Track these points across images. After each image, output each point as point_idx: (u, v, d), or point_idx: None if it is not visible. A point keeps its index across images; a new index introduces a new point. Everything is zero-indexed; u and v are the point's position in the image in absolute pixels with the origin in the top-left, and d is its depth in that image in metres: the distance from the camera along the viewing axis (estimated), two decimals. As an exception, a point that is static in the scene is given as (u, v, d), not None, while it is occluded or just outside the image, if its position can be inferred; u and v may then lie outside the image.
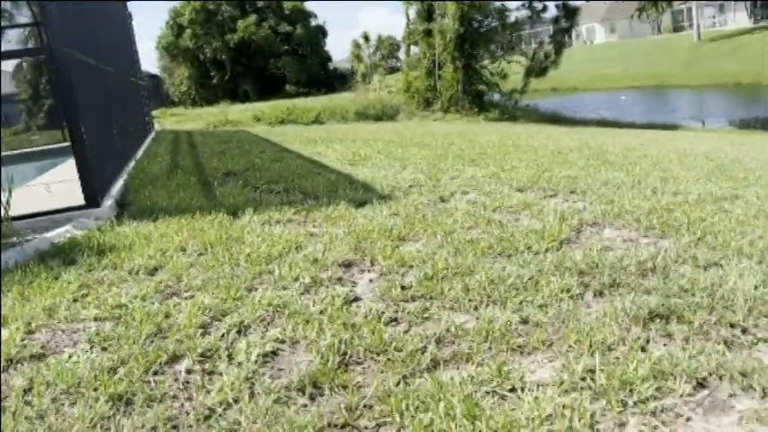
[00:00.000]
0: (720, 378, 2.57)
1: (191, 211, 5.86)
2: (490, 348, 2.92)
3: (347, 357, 2.89)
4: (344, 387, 2.63)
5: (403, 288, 3.70)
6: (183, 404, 2.58)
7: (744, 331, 2.98)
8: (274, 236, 4.84)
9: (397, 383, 2.62)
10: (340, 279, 3.94)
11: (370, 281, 3.93)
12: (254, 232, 5.00)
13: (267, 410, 2.44)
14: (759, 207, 5.43)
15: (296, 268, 4.04)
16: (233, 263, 4.23)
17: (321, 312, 3.37)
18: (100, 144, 7.31)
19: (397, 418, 2.37)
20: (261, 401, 2.51)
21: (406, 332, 3.13)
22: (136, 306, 3.54)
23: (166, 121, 28.67)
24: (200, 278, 3.96)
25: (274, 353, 2.99)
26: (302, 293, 3.70)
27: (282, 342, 3.07)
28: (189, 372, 2.83)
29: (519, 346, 2.94)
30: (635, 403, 2.42)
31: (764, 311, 3.14)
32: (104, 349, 3.06)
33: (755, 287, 3.43)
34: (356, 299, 3.63)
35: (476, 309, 3.39)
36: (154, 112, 26.44)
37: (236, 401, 2.54)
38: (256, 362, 2.86)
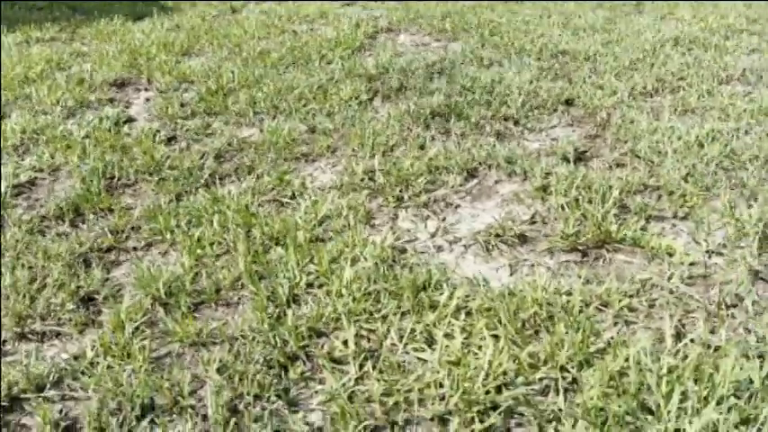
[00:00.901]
0: (489, 167, 2.69)
1: (-75, 32, 4.89)
2: (274, 159, 2.81)
3: (115, 181, 2.64)
4: (110, 211, 2.42)
5: (183, 105, 3.41)
6: None
7: (516, 123, 3.12)
8: (32, 56, 4.19)
9: (170, 202, 2.45)
10: (111, 100, 3.55)
11: (147, 100, 3.58)
12: (7, 53, 4.30)
13: (17, 242, 2.19)
14: (544, 6, 5.62)
15: (58, 90, 3.55)
16: (-21, 89, 3.63)
17: (86, 136, 3.02)
18: None
19: (168, 236, 2.23)
20: (10, 234, 2.24)
21: (183, 150, 2.91)
22: None
23: None
24: (-64, 109, 3.36)
25: (31, 183, 2.66)
26: (65, 118, 3.28)
27: (40, 171, 2.74)
28: None
29: (303, 155, 2.87)
30: (409, 197, 2.47)
31: (535, 103, 3.30)
32: None
33: (530, 82, 3.58)
34: (129, 120, 3.29)
35: (261, 121, 3.22)
36: None
37: (-21, 239, 2.25)
38: (6, 194, 2.52)
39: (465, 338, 1.69)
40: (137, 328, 1.79)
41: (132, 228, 2.31)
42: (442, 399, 1.51)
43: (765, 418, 1.38)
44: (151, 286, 1.93)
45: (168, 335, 1.78)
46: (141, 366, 1.64)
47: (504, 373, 1.55)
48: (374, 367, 1.63)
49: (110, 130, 3.07)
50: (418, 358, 1.67)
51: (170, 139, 3.04)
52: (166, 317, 1.83)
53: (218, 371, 1.62)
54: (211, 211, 2.34)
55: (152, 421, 1.50)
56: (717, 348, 1.62)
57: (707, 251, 2.07)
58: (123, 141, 2.95)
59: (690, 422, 1.39)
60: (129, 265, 2.12)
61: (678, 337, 1.70)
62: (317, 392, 1.59)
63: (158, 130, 3.08)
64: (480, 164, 2.70)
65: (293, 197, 2.51)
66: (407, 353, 1.69)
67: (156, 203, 2.43)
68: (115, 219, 2.34)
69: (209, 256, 2.10)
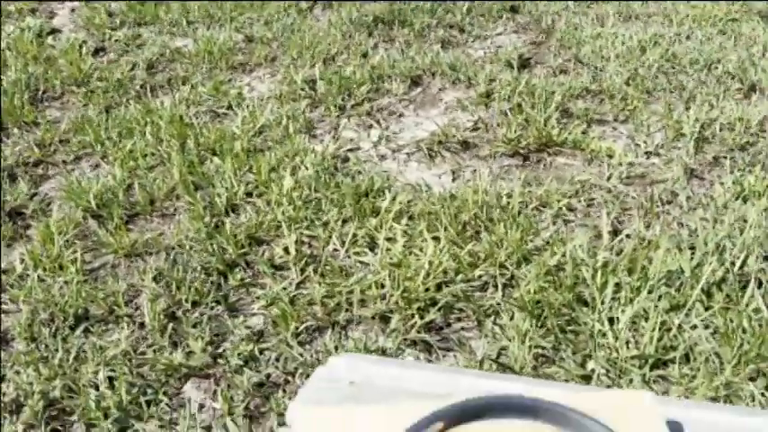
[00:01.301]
0: (433, 75, 2.63)
1: None
2: (209, 69, 2.69)
3: (40, 93, 2.50)
4: (36, 124, 2.29)
5: (111, 15, 3.21)
6: None
7: (461, 30, 3.05)
8: (-58, -36, 3.86)
9: (99, 114, 2.34)
10: (33, 11, 3.31)
11: (72, 10, 3.35)
12: None
13: (-66, 160, 2.06)
14: None
15: (-28, 0, 3.30)
16: None
17: (7, 48, 2.83)
18: None
19: (99, 148, 2.13)
20: (-75, 151, 2.10)
21: (113, 62, 2.76)
22: None
23: None
24: None
25: (-53, 98, 2.50)
26: (-17, 29, 3.06)
27: (-43, 85, 2.56)
28: None
29: (240, 65, 2.75)
30: (352, 106, 2.41)
31: (480, 11, 3.22)
32: None
33: (475, -11, 3.48)
34: (54, 31, 3.09)
35: (195, 31, 3.07)
36: None
37: None
38: None
39: (406, 241, 1.69)
40: (68, 241, 1.72)
41: (60, 141, 2.20)
42: (383, 298, 1.52)
43: (693, 304, 1.43)
44: (82, 198, 1.85)
45: (102, 246, 1.72)
46: (74, 278, 1.58)
47: (445, 272, 1.56)
48: (316, 271, 1.62)
49: (32, 42, 2.88)
50: (360, 262, 1.66)
51: (98, 51, 2.88)
52: (99, 229, 1.77)
53: (155, 279, 1.58)
54: (143, 123, 2.24)
55: (86, 330, 1.46)
56: (651, 242, 1.66)
57: (645, 152, 2.09)
58: (48, 53, 2.78)
59: (623, 311, 1.43)
60: (58, 179, 2.02)
61: (615, 233, 1.73)
62: (257, 298, 1.57)
63: (85, 41, 2.91)
64: (424, 72, 2.64)
65: (230, 107, 2.42)
66: (349, 257, 1.68)
67: (84, 116, 2.31)
68: (41, 132, 2.23)
69: (142, 168, 2.02)
